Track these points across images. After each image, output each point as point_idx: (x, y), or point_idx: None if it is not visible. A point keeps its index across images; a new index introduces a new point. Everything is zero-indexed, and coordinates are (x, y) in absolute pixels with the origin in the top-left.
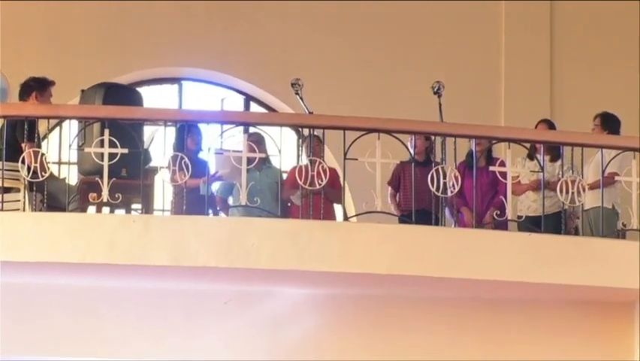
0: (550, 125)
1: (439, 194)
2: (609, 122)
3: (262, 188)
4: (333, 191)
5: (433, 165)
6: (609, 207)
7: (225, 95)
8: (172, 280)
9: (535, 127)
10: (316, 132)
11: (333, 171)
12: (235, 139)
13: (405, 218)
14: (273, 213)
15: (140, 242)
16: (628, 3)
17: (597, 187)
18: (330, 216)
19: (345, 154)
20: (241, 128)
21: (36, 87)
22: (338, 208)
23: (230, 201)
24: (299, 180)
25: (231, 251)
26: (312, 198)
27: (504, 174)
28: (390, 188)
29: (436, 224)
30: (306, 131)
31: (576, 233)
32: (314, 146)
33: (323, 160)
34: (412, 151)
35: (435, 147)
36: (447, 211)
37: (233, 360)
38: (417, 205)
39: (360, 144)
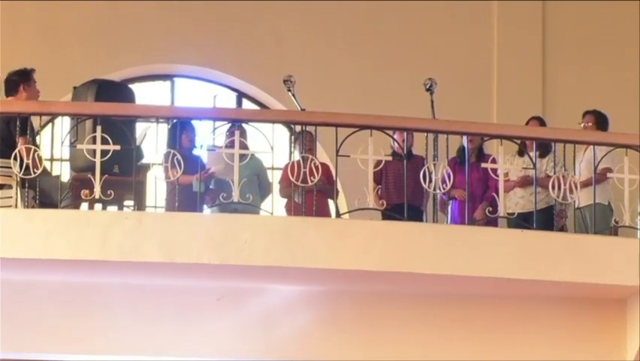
0: (541, 122)
1: (431, 190)
2: (602, 121)
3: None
4: (328, 187)
5: (423, 159)
6: (605, 204)
7: (217, 91)
8: (165, 277)
9: (526, 124)
10: (308, 129)
11: (325, 166)
12: (220, 134)
13: (388, 212)
14: (254, 206)
15: (133, 239)
16: (620, 2)
17: (590, 184)
18: (325, 212)
19: (337, 151)
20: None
21: (21, 80)
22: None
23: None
24: (291, 178)
25: (224, 248)
26: (305, 195)
27: (494, 171)
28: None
29: (419, 216)
30: (298, 128)
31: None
32: (306, 142)
33: (315, 156)
34: (402, 146)
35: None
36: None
37: (225, 357)
38: (400, 199)
39: (352, 141)
